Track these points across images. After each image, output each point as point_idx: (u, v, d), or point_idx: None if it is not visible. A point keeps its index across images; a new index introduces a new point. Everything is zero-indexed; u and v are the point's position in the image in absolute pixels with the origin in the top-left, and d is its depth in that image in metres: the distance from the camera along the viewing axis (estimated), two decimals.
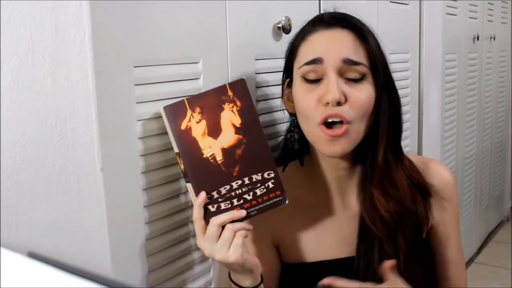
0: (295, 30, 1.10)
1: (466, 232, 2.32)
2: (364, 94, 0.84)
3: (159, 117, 0.84)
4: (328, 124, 0.84)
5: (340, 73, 0.84)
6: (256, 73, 1.06)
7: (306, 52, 0.87)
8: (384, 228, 0.88)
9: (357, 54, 0.85)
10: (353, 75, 0.84)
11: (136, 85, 0.81)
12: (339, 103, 0.82)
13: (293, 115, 0.94)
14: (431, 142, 1.90)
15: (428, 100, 1.85)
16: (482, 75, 2.47)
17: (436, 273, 1.01)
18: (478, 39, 2.36)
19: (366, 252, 0.91)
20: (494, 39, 2.59)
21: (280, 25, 1.09)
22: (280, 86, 1.11)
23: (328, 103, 0.82)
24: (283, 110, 1.00)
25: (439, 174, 0.97)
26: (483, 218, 2.62)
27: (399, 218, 0.88)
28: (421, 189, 0.93)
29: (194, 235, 0.92)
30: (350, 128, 0.83)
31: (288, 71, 0.94)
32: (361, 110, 0.84)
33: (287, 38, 1.11)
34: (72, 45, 0.71)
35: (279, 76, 1.11)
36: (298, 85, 0.88)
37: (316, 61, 0.85)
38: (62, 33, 0.69)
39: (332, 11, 0.92)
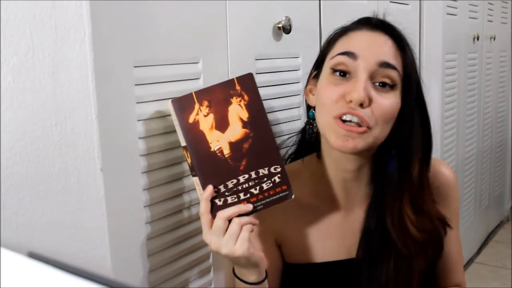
0: (295, 30, 1.10)
1: (466, 232, 2.32)
2: (389, 102, 0.83)
3: (159, 117, 0.84)
4: (343, 121, 0.83)
5: (371, 77, 0.83)
6: (256, 73, 1.06)
7: (343, 45, 0.87)
8: (415, 248, 0.88)
9: (395, 60, 0.85)
10: (384, 80, 0.83)
11: (136, 85, 0.81)
12: (362, 105, 0.81)
13: (312, 108, 0.93)
14: None
15: (428, 100, 1.85)
16: (482, 75, 2.47)
17: (436, 269, 1.01)
18: (478, 39, 2.35)
19: (368, 254, 0.91)
20: (494, 39, 2.59)
21: (280, 25, 1.09)
22: (280, 87, 1.12)
23: (351, 101, 0.81)
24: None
25: (442, 175, 0.98)
26: (483, 218, 2.62)
27: (430, 236, 0.89)
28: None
29: (195, 235, 0.93)
30: (368, 132, 0.83)
31: (318, 64, 0.93)
32: (381, 117, 0.83)
33: (287, 38, 1.11)
34: (72, 45, 0.71)
35: (279, 76, 1.11)
36: (325, 76, 0.87)
37: (350, 54, 0.83)
38: (62, 33, 0.69)
39: (382, 17, 0.92)
